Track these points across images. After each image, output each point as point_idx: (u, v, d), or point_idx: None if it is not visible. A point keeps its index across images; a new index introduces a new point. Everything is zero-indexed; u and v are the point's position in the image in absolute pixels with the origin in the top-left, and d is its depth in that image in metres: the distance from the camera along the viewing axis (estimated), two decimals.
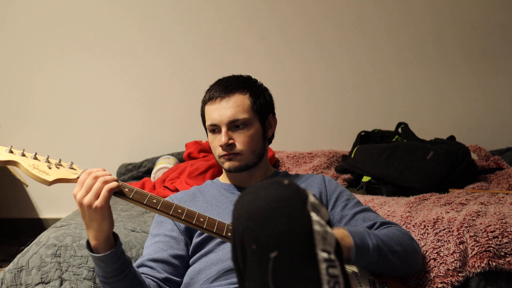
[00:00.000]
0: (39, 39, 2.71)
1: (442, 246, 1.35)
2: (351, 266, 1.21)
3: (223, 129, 1.32)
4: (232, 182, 1.42)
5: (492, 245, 1.31)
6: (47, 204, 2.88)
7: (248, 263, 0.80)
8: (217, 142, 1.34)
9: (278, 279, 0.77)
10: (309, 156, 2.41)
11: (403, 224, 1.49)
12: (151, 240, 1.33)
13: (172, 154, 2.56)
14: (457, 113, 2.70)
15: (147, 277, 1.23)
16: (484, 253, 1.31)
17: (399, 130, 2.36)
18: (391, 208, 1.63)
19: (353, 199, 1.40)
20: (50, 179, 1.07)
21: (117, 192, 1.11)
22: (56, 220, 2.06)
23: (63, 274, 1.47)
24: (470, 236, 1.34)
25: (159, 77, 2.74)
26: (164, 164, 2.36)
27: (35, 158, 1.10)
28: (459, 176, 2.01)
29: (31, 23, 2.69)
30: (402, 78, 2.69)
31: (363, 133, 2.40)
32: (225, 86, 1.35)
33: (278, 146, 2.41)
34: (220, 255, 1.26)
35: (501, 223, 1.37)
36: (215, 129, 1.34)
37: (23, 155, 1.10)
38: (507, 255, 1.31)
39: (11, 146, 1.10)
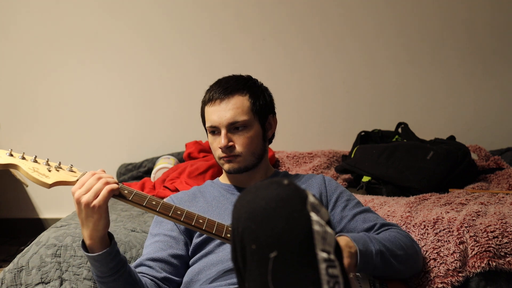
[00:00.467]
0: (39, 41, 2.71)
1: (442, 246, 1.35)
2: None
3: (223, 131, 1.31)
4: (232, 183, 1.42)
5: (492, 245, 1.31)
6: (47, 204, 2.88)
7: (248, 263, 0.80)
8: (216, 144, 1.34)
9: (278, 279, 0.77)
10: (309, 156, 2.41)
11: (403, 224, 1.49)
12: (151, 240, 1.33)
13: (172, 154, 2.56)
14: (457, 113, 2.70)
15: (146, 276, 1.23)
16: (484, 253, 1.31)
17: (399, 130, 2.36)
18: (391, 208, 1.63)
19: (353, 199, 1.40)
20: (50, 182, 1.08)
21: (118, 195, 1.12)
22: (56, 220, 2.06)
23: (63, 274, 1.47)
24: (470, 236, 1.34)
25: (159, 77, 2.74)
26: (164, 164, 2.36)
27: (35, 161, 1.11)
28: (459, 176, 2.01)
29: (31, 25, 2.69)
30: (402, 78, 2.69)
31: (363, 133, 2.40)
32: (225, 88, 1.34)
33: (278, 146, 2.41)
34: (220, 256, 1.26)
35: (501, 223, 1.37)
36: (214, 130, 1.34)
37: (23, 158, 1.10)
38: (507, 255, 1.31)
39: (11, 150, 1.10)
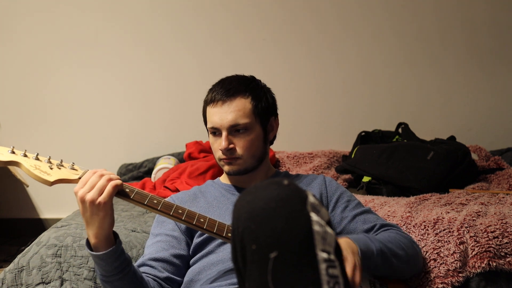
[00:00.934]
0: (40, 41, 2.71)
1: (442, 246, 1.35)
2: None
3: (224, 134, 1.31)
4: (232, 183, 1.42)
5: (492, 245, 1.31)
6: (48, 204, 2.88)
7: (248, 263, 0.80)
8: (217, 145, 1.34)
9: (278, 279, 0.77)
10: (310, 156, 2.41)
11: (403, 225, 1.49)
12: (153, 240, 1.33)
13: (172, 154, 2.56)
14: (457, 113, 2.70)
15: (148, 276, 1.23)
16: (484, 253, 1.31)
17: (400, 130, 2.36)
18: (391, 208, 1.63)
19: (354, 200, 1.40)
20: (52, 179, 1.08)
21: (118, 193, 1.12)
22: (57, 220, 2.06)
23: (63, 274, 1.47)
24: (471, 237, 1.34)
25: (159, 77, 2.74)
26: (164, 164, 2.36)
27: (37, 159, 1.11)
28: (459, 176, 2.01)
29: (31, 26, 2.70)
30: (402, 78, 2.70)
31: (363, 133, 2.40)
32: (227, 89, 1.33)
33: (279, 146, 2.41)
34: (221, 256, 1.26)
35: (502, 223, 1.37)
36: (215, 132, 1.34)
37: (25, 155, 1.10)
38: (507, 255, 1.31)
39: (13, 147, 1.10)
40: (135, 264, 1.24)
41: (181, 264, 1.29)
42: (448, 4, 2.64)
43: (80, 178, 1.11)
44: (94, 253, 1.11)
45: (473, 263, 1.31)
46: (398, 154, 2.07)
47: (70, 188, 1.12)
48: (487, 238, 1.33)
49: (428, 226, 1.43)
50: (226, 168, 1.35)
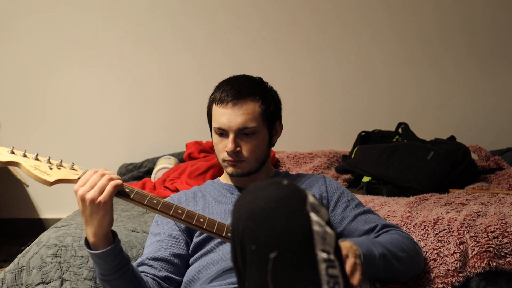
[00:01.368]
0: (40, 41, 2.71)
1: (442, 246, 1.35)
2: None
3: (231, 136, 1.30)
4: (233, 183, 1.42)
5: (492, 245, 1.31)
6: (48, 204, 2.88)
7: (248, 263, 0.80)
8: (222, 146, 1.33)
9: (278, 279, 0.77)
10: (310, 156, 2.41)
11: (403, 225, 1.49)
12: (152, 239, 1.33)
13: (172, 154, 2.56)
14: (457, 113, 2.70)
15: (147, 276, 1.23)
16: (484, 253, 1.31)
17: (400, 130, 2.36)
18: (391, 208, 1.63)
19: (354, 200, 1.40)
20: (51, 179, 1.08)
21: (118, 193, 1.12)
22: (57, 220, 2.05)
23: (63, 274, 1.47)
24: (470, 237, 1.34)
25: (159, 77, 2.74)
26: (164, 164, 2.36)
27: (36, 159, 1.11)
28: (459, 176, 2.01)
29: (31, 26, 2.70)
30: (402, 78, 2.70)
31: (363, 133, 2.40)
32: (238, 91, 1.31)
33: (279, 146, 2.39)
34: (220, 255, 1.26)
35: (501, 223, 1.37)
36: (222, 132, 1.32)
37: (25, 156, 1.10)
38: (507, 255, 1.31)
39: (13, 147, 1.11)
40: (134, 264, 1.25)
41: (180, 263, 1.29)
42: (448, 4, 2.63)
43: (79, 178, 1.11)
44: (92, 251, 1.11)
45: (473, 263, 1.31)
46: (398, 154, 2.07)
47: (70, 188, 1.12)
48: (487, 238, 1.33)
49: (428, 226, 1.43)
50: (229, 169, 1.34)
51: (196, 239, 1.31)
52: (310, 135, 2.73)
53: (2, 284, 1.47)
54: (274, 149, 2.44)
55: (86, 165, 1.17)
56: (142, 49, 2.72)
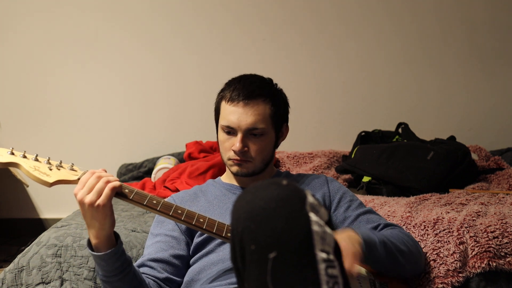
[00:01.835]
0: (40, 41, 2.71)
1: (442, 246, 1.35)
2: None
3: (239, 135, 1.30)
4: (234, 183, 1.42)
5: (492, 246, 1.31)
6: (48, 204, 2.88)
7: (247, 263, 0.80)
8: (229, 144, 1.32)
9: (277, 279, 0.77)
10: (310, 156, 2.41)
11: (403, 225, 1.49)
12: (152, 240, 1.33)
13: (172, 154, 2.56)
14: (457, 113, 2.70)
15: (147, 277, 1.23)
16: (484, 253, 1.31)
17: (400, 130, 2.36)
18: (391, 208, 1.63)
19: (356, 200, 1.40)
20: (51, 180, 1.08)
21: (118, 193, 1.12)
22: (57, 220, 2.05)
23: (63, 274, 1.47)
24: (470, 237, 1.34)
25: (159, 77, 2.75)
26: (164, 164, 2.36)
27: (36, 160, 1.11)
28: (459, 176, 2.01)
29: (31, 26, 2.70)
30: (402, 78, 2.69)
31: (363, 133, 2.40)
32: (250, 91, 1.30)
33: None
34: (221, 255, 1.26)
35: (501, 223, 1.37)
36: (230, 131, 1.32)
37: (24, 156, 1.10)
38: (507, 255, 1.31)
39: (13, 148, 1.11)
40: (135, 265, 1.25)
41: (181, 264, 1.29)
42: (448, 4, 2.63)
43: (79, 179, 1.11)
44: (95, 253, 1.11)
45: (473, 263, 1.31)
46: (398, 154, 2.07)
47: (70, 188, 1.12)
48: (487, 238, 1.33)
49: (428, 226, 1.43)
50: (234, 168, 1.34)
51: (196, 239, 1.31)
52: (310, 135, 2.73)
53: (2, 284, 1.47)
54: None
55: (86, 165, 1.17)
56: (142, 49, 2.72)
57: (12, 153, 1.10)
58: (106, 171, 1.14)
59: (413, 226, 1.46)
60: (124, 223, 1.73)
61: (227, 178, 1.44)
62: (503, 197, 1.68)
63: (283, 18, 2.67)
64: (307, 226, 0.79)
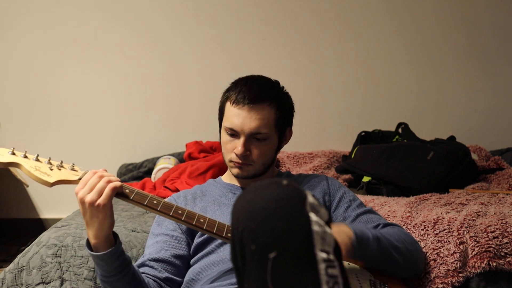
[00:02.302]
0: (40, 41, 2.71)
1: (442, 246, 1.35)
2: (352, 265, 1.21)
3: (242, 139, 1.29)
4: (235, 183, 1.41)
5: (492, 246, 1.31)
6: (48, 204, 2.88)
7: (247, 263, 0.80)
8: (231, 147, 1.32)
9: (277, 280, 0.77)
10: (309, 156, 2.41)
11: (403, 225, 1.49)
12: (153, 240, 1.33)
13: (172, 154, 2.56)
14: (457, 113, 2.70)
15: (148, 277, 1.23)
16: (484, 253, 1.30)
17: (400, 130, 2.36)
18: (391, 208, 1.63)
19: (356, 200, 1.40)
20: (52, 180, 1.08)
21: (118, 193, 1.12)
22: (57, 220, 2.06)
23: (63, 274, 1.47)
24: (470, 237, 1.34)
25: (160, 77, 2.75)
26: (164, 164, 2.36)
27: (37, 160, 1.11)
28: (459, 176, 2.01)
29: (32, 25, 2.70)
30: (402, 78, 2.70)
31: (363, 133, 2.40)
32: (256, 94, 1.29)
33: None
34: (221, 256, 1.26)
35: (501, 223, 1.37)
36: (233, 133, 1.31)
37: (25, 157, 1.10)
38: (507, 255, 1.31)
39: (13, 148, 1.11)
40: (135, 264, 1.25)
41: (181, 264, 1.29)
42: (448, 4, 2.64)
43: (80, 179, 1.11)
44: (94, 253, 1.12)
45: (473, 263, 1.31)
46: (398, 154, 2.07)
47: (70, 188, 1.12)
48: (487, 238, 1.33)
49: (428, 226, 1.43)
50: (235, 171, 1.34)
51: (197, 240, 1.31)
52: (310, 135, 2.73)
53: (2, 284, 1.47)
54: None
55: (86, 165, 1.17)
56: (142, 49, 2.72)
57: (13, 153, 1.10)
58: (106, 171, 1.14)
59: (413, 226, 1.46)
60: (124, 223, 1.73)
61: (228, 178, 1.44)
62: (503, 197, 1.68)
63: (283, 18, 2.68)
64: (307, 226, 0.79)
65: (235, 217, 0.84)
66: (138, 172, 2.53)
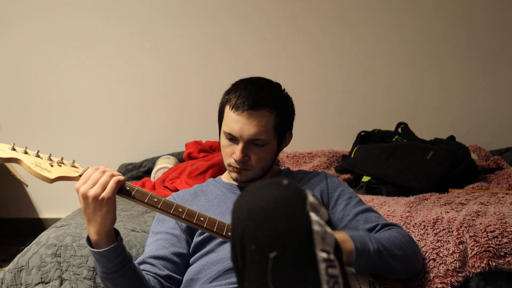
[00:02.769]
0: (40, 40, 2.71)
1: (441, 246, 1.35)
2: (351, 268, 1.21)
3: (241, 145, 1.28)
4: (235, 182, 1.41)
5: (492, 245, 1.31)
6: (47, 204, 2.88)
7: (248, 263, 0.80)
8: (230, 151, 1.31)
9: (278, 279, 0.77)
10: (309, 156, 2.41)
11: (403, 224, 1.49)
12: (153, 238, 1.33)
13: (172, 154, 2.56)
14: (457, 113, 2.70)
15: (148, 274, 1.23)
16: (484, 253, 1.30)
17: (399, 130, 2.36)
18: (391, 208, 1.63)
19: (355, 197, 1.39)
20: (52, 176, 1.07)
21: (120, 190, 1.12)
22: (56, 220, 2.06)
23: (63, 274, 1.47)
24: (470, 236, 1.34)
25: (159, 77, 2.75)
26: (164, 164, 2.36)
27: (37, 156, 1.10)
28: (459, 176, 2.01)
29: (32, 25, 2.70)
30: (402, 78, 2.70)
31: (363, 133, 2.40)
32: (256, 100, 1.27)
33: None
34: (221, 255, 1.26)
35: (501, 223, 1.37)
36: (232, 138, 1.30)
37: (26, 152, 1.10)
38: (507, 255, 1.31)
39: (14, 144, 1.10)
40: (136, 262, 1.25)
41: (181, 262, 1.29)
42: (448, 3, 2.64)
43: (80, 175, 1.11)
44: (95, 250, 1.11)
45: (473, 263, 1.31)
46: (398, 154, 2.07)
47: (70, 188, 1.12)
48: (487, 238, 1.33)
49: (427, 226, 1.43)
50: (233, 175, 1.33)
51: (196, 238, 1.31)
52: (310, 134, 2.73)
53: (2, 283, 1.47)
54: None
55: (86, 165, 1.17)
56: (142, 49, 2.72)
57: (14, 149, 1.09)
58: (107, 167, 1.14)
59: (413, 226, 1.46)
60: (124, 222, 1.73)
61: (227, 177, 1.44)
62: (502, 197, 1.68)
63: (283, 18, 2.68)
64: (307, 226, 0.79)
65: (235, 217, 0.84)
66: (137, 172, 2.53)
